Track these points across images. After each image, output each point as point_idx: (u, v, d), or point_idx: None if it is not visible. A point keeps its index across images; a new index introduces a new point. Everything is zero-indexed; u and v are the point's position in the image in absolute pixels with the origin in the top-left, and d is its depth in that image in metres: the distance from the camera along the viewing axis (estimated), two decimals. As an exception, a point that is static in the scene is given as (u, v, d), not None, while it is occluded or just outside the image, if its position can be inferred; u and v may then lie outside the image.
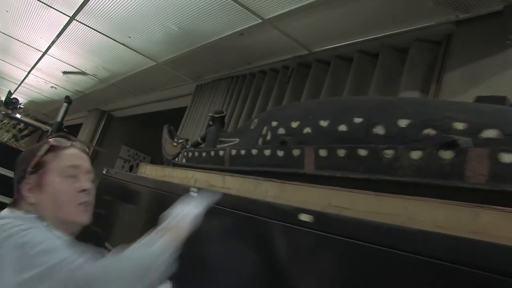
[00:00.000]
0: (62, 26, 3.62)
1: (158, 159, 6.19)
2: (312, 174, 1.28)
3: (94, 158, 6.09)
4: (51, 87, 6.25)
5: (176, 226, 1.35)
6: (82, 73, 4.83)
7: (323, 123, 1.31)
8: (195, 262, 1.48)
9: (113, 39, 3.43)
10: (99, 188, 2.88)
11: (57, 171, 1.30)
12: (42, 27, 3.87)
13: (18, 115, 6.41)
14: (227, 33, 2.71)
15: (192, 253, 1.52)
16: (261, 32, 2.56)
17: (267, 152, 1.47)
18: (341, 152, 1.19)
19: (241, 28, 2.59)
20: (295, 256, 1.09)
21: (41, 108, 8.23)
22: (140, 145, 6.28)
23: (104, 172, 2.85)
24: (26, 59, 5.18)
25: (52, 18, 3.52)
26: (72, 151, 1.38)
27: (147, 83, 4.30)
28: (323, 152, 1.25)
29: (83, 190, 1.32)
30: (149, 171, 2.34)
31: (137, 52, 3.51)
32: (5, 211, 1.32)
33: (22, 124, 7.24)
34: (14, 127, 7.23)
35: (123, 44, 3.45)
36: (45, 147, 1.34)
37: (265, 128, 1.60)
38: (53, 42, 4.14)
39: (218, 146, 1.99)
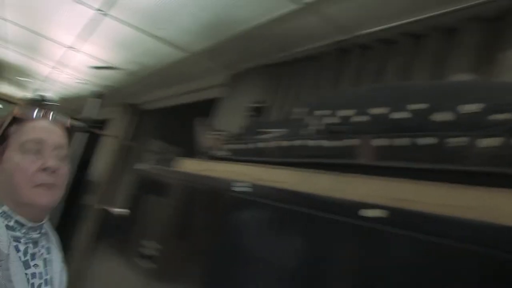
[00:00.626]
0: (91, 21, 3.61)
1: (189, 152, 6.19)
2: (369, 165, 1.22)
3: (125, 152, 6.13)
4: (80, 82, 6.29)
5: None
6: (112, 67, 4.84)
7: (379, 111, 1.25)
8: (244, 261, 1.45)
9: (144, 32, 3.40)
10: (134, 184, 2.88)
11: (17, 146, 1.16)
12: (70, 22, 3.87)
13: (50, 112, 6.49)
14: (264, 20, 2.65)
15: (240, 252, 1.48)
16: (300, 17, 2.50)
17: (318, 142, 1.42)
18: (402, 141, 1.13)
19: (279, 13, 2.52)
20: (355, 256, 1.03)
21: (70, 104, 8.32)
22: (170, 138, 6.27)
23: (137, 167, 2.84)
24: (55, 55, 5.21)
25: (81, 13, 3.51)
26: (38, 123, 1.21)
27: (179, 75, 4.28)
28: (381, 142, 1.19)
29: (45, 169, 1.15)
30: (187, 165, 2.31)
31: (169, 44, 3.49)
32: None
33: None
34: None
35: (154, 36, 3.43)
36: (8, 118, 1.20)
37: (313, 117, 1.55)
38: (81, 38, 4.15)
39: (261, 137, 1.95)
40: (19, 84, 8.19)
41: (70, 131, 1.29)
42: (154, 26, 3.24)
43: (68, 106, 8.30)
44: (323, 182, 1.27)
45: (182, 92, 4.69)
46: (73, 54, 4.90)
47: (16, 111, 1.21)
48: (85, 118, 5.68)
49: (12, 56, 6.21)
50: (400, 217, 0.94)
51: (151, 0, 2.84)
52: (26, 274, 1.13)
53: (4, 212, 1.13)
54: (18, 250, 1.13)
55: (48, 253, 1.27)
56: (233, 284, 1.49)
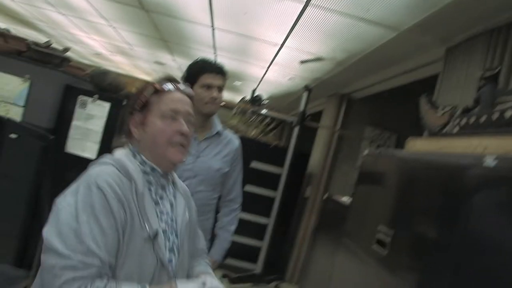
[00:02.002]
0: (296, 15, 3.72)
1: (405, 135, 6.00)
2: None
3: (339, 142, 6.19)
4: (289, 79, 6.54)
5: None
6: (320, 59, 4.93)
7: None
8: (495, 250, 1.33)
9: (350, 16, 3.39)
10: (361, 170, 2.87)
11: (158, 113, 1.47)
12: (277, 21, 4.05)
13: (263, 111, 6.87)
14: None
15: (489, 237, 1.37)
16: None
17: None
18: None
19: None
20: None
21: (280, 102, 8.72)
22: (384, 124, 6.17)
23: (365, 153, 2.83)
24: (265, 55, 5.51)
25: (286, 9, 3.64)
26: (174, 95, 1.51)
27: (388, 57, 4.16)
28: None
29: (180, 132, 1.47)
30: (419, 145, 2.23)
31: (377, 25, 3.42)
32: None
33: (268, 119, 7.80)
34: (261, 122, 7.84)
35: (361, 19, 3.39)
36: (150, 89, 1.50)
37: None
38: (289, 34, 4.31)
39: (501, 107, 1.79)
40: (233, 89, 8.83)
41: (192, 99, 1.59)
42: (361, 8, 3.20)
43: (279, 104, 8.71)
44: None
45: (394, 75, 4.56)
46: (282, 51, 5.12)
47: (157, 84, 1.51)
48: (297, 112, 5.87)
49: (223, 62, 6.71)
50: None
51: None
52: (155, 210, 1.45)
53: (142, 160, 1.46)
54: (150, 191, 1.46)
55: (174, 198, 1.59)
56: (476, 278, 1.39)
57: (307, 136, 6.28)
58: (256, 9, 3.90)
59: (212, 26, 4.81)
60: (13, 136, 3.27)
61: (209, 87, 2.45)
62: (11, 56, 3.60)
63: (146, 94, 1.49)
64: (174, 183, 1.63)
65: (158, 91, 1.50)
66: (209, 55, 6.49)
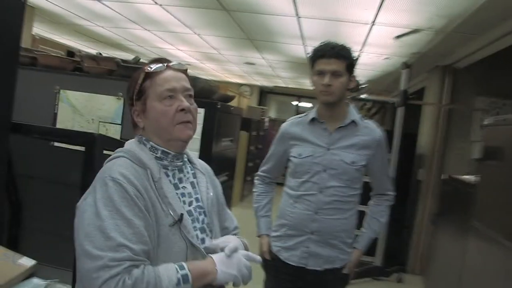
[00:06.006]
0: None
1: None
2: None
3: (448, 117, 5.72)
4: (385, 58, 6.15)
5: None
6: (415, 31, 4.54)
7: None
8: None
9: (447, -25, 3.00)
10: (488, 143, 2.49)
11: (155, 96, 1.43)
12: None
13: (363, 96, 6.56)
14: None
15: None
16: None
17: None
18: None
19: None
20: None
21: (379, 84, 8.30)
22: (496, 91, 5.59)
23: (485, 123, 2.46)
24: (356, 37, 5.20)
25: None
26: (166, 74, 1.46)
27: (497, 13, 3.61)
28: None
29: (182, 110, 1.42)
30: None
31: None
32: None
33: (369, 103, 7.45)
34: (362, 108, 7.51)
35: (460, -24, 2.98)
36: (142, 75, 1.46)
37: None
38: (379, 8, 3.97)
39: None
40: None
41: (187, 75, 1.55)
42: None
43: (377, 86, 8.30)
44: None
45: (503, 34, 4.04)
46: (374, 30, 4.79)
47: (147, 68, 1.46)
48: (399, 92, 5.51)
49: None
50: None
51: None
52: (177, 193, 1.46)
53: (152, 146, 1.46)
54: (167, 176, 1.46)
55: (194, 177, 1.59)
56: None
57: (411, 116, 5.85)
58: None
59: (297, 14, 4.57)
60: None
61: (321, 73, 2.20)
62: (103, 77, 3.60)
63: (139, 81, 1.47)
64: (191, 162, 1.63)
65: (149, 75, 1.46)
66: (298, 46, 6.26)
